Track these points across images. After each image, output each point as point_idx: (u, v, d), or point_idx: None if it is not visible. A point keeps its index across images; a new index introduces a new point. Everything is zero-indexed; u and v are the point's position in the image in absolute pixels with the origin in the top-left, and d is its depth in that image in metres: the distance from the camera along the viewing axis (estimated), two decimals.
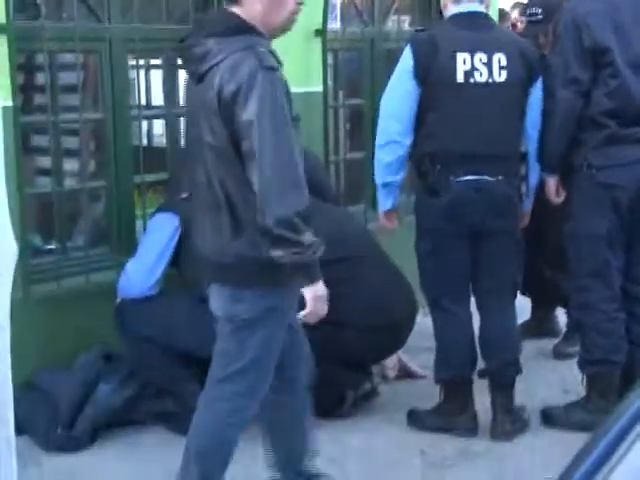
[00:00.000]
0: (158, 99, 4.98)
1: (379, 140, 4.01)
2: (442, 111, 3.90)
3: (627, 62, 3.92)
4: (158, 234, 4.14)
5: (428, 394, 4.31)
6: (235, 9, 2.90)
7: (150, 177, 4.68)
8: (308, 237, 2.76)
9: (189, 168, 3.05)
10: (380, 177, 4.05)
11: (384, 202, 4.14)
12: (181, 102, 5.39)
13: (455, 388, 4.11)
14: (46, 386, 4.10)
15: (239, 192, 2.83)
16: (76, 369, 4.14)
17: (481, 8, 3.98)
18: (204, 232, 3.00)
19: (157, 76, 4.95)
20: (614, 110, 3.93)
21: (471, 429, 4.10)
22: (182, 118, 5.01)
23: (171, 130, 4.99)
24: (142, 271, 4.10)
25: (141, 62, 4.71)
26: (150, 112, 5.07)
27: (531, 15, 4.87)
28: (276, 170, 2.74)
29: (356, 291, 4.29)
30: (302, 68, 5.25)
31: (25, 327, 3.92)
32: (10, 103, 3.96)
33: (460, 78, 3.86)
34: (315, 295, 2.87)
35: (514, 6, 7.08)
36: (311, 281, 2.84)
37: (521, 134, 4.07)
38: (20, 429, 3.73)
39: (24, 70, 4.51)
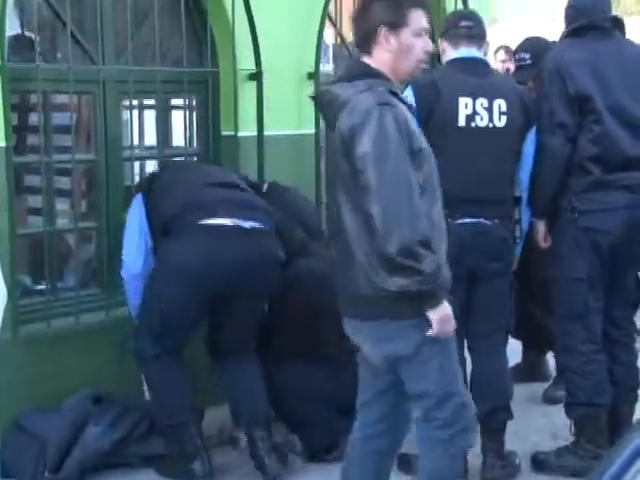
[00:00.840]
0: (151, 140, 5.00)
1: None
2: (441, 154, 3.89)
3: (609, 109, 3.98)
4: (130, 215, 4.25)
5: None
6: (366, 58, 3.06)
7: None
8: (430, 264, 2.82)
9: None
10: None
11: None
12: (174, 143, 5.43)
13: None
14: (34, 428, 4.06)
15: (366, 225, 2.89)
16: (65, 411, 4.12)
17: (479, 54, 4.05)
18: (342, 267, 3.08)
19: (150, 117, 4.97)
20: (599, 156, 3.98)
21: (461, 474, 4.08)
22: (175, 158, 5.06)
23: None
24: (130, 252, 4.20)
25: (134, 103, 4.73)
26: (143, 153, 5.09)
27: (520, 60, 4.93)
28: (393, 201, 2.83)
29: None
30: (295, 110, 5.29)
31: (14, 367, 3.92)
32: (3, 144, 3.98)
33: (462, 122, 3.90)
34: (441, 317, 2.92)
35: (498, 49, 7.17)
36: (435, 305, 2.89)
37: (516, 178, 4.11)
38: (6, 472, 3.71)
39: (18, 111, 4.53)
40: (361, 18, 3.07)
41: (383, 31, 2.99)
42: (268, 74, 4.99)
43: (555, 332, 4.32)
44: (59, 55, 4.49)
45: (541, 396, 5.12)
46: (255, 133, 5.00)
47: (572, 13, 4.18)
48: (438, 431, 3.08)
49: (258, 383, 4.22)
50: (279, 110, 5.15)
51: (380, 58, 3.03)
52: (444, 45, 4.07)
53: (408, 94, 3.94)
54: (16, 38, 4.32)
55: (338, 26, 5.64)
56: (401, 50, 3.02)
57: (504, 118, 3.94)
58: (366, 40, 3.05)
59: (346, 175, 2.94)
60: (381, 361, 3.11)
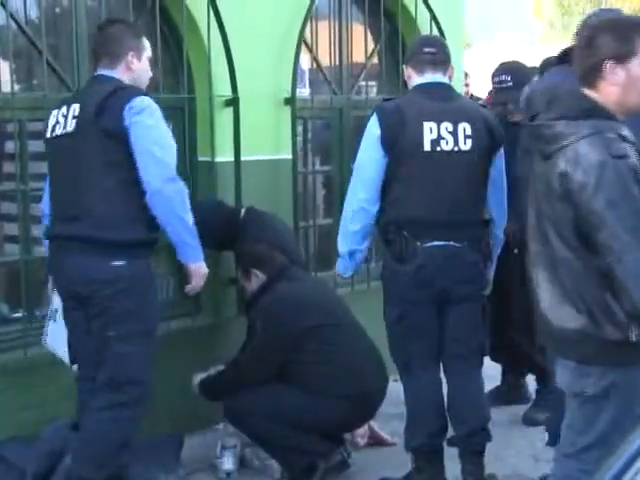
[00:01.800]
0: None
1: (348, 207, 4.07)
2: (408, 178, 3.97)
3: None
4: None
5: (399, 462, 4.31)
6: (590, 92, 2.93)
7: None
8: None
9: (531, 234, 3.06)
10: (346, 245, 4.10)
11: (345, 270, 4.21)
12: None
13: (426, 456, 4.10)
14: (12, 457, 4.06)
15: (587, 273, 2.83)
16: (43, 440, 4.09)
17: (444, 79, 4.09)
18: (547, 303, 2.99)
19: None
20: None
21: None
22: None
23: None
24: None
25: None
26: None
27: (500, 82, 4.98)
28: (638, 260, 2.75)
29: (331, 360, 4.33)
30: (272, 135, 5.34)
31: None
32: None
33: (427, 146, 3.93)
34: None
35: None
36: None
37: (484, 201, 4.13)
38: None
39: None
40: (586, 52, 2.93)
41: (609, 65, 2.86)
42: (245, 100, 5.03)
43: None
44: (35, 83, 4.51)
45: (521, 418, 5.15)
46: (232, 158, 5.04)
47: None
48: (583, 475, 2.98)
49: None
50: (256, 135, 5.19)
51: (606, 92, 2.87)
52: (409, 71, 4.11)
53: (373, 120, 3.98)
54: None
55: (314, 51, 5.70)
56: (630, 82, 2.86)
57: (469, 141, 3.97)
58: (591, 74, 2.91)
59: (566, 220, 2.84)
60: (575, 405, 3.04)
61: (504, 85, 4.95)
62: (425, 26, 6.06)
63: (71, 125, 3.70)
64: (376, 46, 6.13)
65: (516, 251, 4.70)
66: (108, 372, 3.72)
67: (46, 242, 3.97)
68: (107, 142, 3.65)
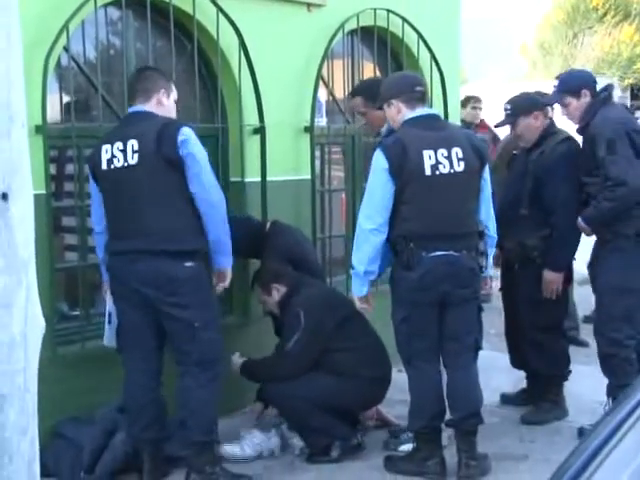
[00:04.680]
0: None
1: (364, 231, 4.05)
2: (413, 199, 4.02)
3: None
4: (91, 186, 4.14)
5: None
6: None
7: None
8: None
9: None
10: (362, 265, 4.10)
11: (360, 289, 4.18)
12: None
13: (426, 437, 4.17)
14: (71, 435, 4.15)
15: None
16: (96, 420, 4.20)
17: (431, 111, 4.17)
18: None
19: None
20: None
21: (440, 472, 4.15)
22: None
23: None
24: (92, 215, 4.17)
25: None
26: None
27: (505, 109, 4.98)
28: None
29: (355, 346, 4.43)
30: (293, 159, 5.41)
31: (53, 383, 3.99)
32: (43, 191, 4.09)
33: (428, 171, 3.99)
34: None
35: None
36: None
37: (478, 214, 4.19)
38: (48, 472, 3.79)
39: (56, 163, 4.62)
40: None
41: None
42: (270, 128, 5.12)
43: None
44: (92, 114, 4.61)
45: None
46: (259, 179, 5.12)
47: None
48: None
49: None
50: (280, 159, 5.28)
51: None
52: (400, 106, 4.11)
53: (379, 155, 4.03)
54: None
55: (330, 86, 5.78)
56: None
57: (462, 163, 4.03)
58: None
59: None
60: None
61: (505, 112, 5.00)
62: (426, 64, 6.13)
63: (133, 158, 3.84)
64: None
65: (517, 267, 4.80)
66: (197, 356, 3.93)
67: (99, 255, 4.13)
68: (166, 168, 3.83)
